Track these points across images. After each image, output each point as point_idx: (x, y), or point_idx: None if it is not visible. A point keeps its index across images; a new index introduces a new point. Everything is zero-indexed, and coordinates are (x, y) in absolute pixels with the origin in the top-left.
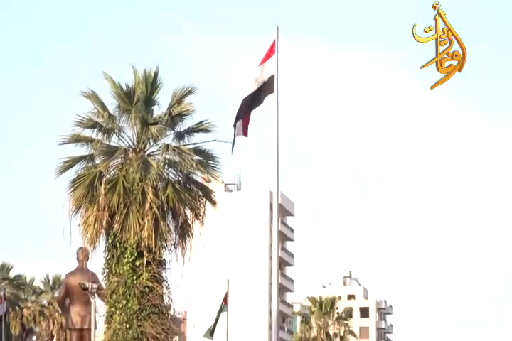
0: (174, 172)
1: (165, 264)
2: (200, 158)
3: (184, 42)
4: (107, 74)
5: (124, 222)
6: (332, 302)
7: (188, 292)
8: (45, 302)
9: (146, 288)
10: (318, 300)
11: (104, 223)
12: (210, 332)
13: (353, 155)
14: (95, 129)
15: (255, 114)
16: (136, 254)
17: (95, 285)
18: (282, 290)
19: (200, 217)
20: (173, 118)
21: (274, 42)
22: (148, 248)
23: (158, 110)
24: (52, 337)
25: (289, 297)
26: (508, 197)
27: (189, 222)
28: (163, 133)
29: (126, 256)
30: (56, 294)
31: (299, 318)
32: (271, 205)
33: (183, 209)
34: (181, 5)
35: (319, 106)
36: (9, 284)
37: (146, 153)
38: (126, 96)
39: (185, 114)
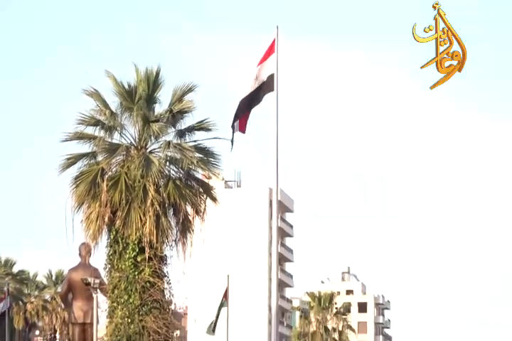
0: (175, 169)
1: (166, 260)
2: (200, 155)
3: (184, 42)
4: (109, 72)
5: (125, 218)
6: (331, 297)
7: (189, 287)
8: (48, 297)
9: (148, 283)
10: (317, 295)
11: (106, 219)
12: (212, 329)
13: (352, 154)
14: (97, 127)
15: (255, 112)
16: (137, 250)
17: (97, 281)
18: (282, 285)
19: (201, 214)
20: (174, 115)
21: (273, 41)
22: (149, 244)
23: (160, 108)
24: (55, 331)
25: (288, 292)
26: (508, 197)
27: (190, 218)
28: (165, 130)
29: (128, 251)
30: (59, 289)
31: (298, 313)
32: (270, 202)
33: (184, 206)
34: (181, 5)
35: (319, 105)
36: (13, 279)
37: (148, 150)
38: (128, 95)
39: (185, 112)
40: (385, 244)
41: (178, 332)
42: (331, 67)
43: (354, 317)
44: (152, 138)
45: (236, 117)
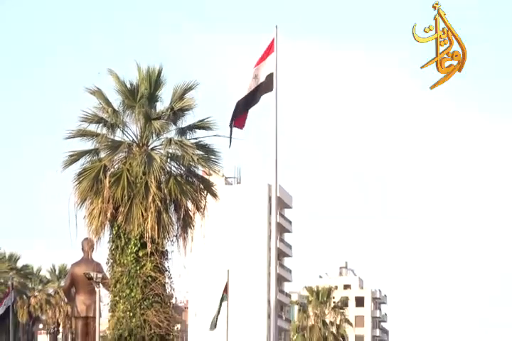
0: (176, 166)
1: (167, 255)
2: (201, 152)
3: (184, 42)
4: (112, 70)
5: (127, 213)
6: (328, 291)
7: (190, 282)
8: (51, 291)
9: (149, 278)
10: (315, 289)
11: (108, 215)
12: (214, 324)
13: (350, 152)
14: (100, 124)
15: (255, 110)
16: (139, 245)
17: (100, 275)
18: (280, 280)
19: (202, 209)
20: (175, 113)
21: (272, 41)
22: (151, 239)
23: (161, 106)
24: (59, 324)
25: (287, 287)
26: (507, 197)
27: (191, 213)
28: (166, 128)
29: (129, 246)
30: (62, 283)
31: (296, 307)
32: (270, 198)
33: (185, 202)
34: (181, 5)
35: (320, 104)
36: (17, 274)
37: (149, 148)
38: (130, 93)
39: (186, 109)
40: (382, 240)
41: (178, 325)
42: (331, 67)
43: (351, 311)
44: (154, 135)
45: (234, 117)
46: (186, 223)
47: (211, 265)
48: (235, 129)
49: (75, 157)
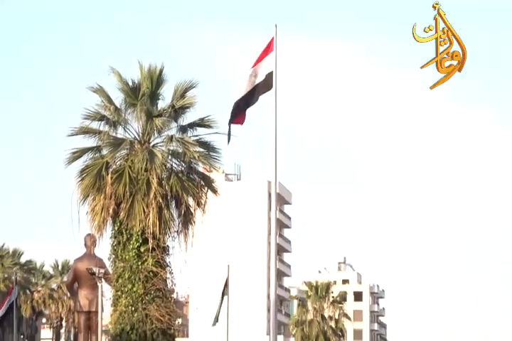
0: (177, 163)
1: (168, 250)
2: (202, 149)
3: (184, 41)
4: (114, 68)
5: (129, 210)
6: (327, 286)
7: (191, 277)
8: (54, 286)
9: (151, 273)
10: (314, 284)
11: (110, 211)
12: (217, 319)
13: (349, 150)
14: (102, 122)
15: (255, 107)
16: (141, 241)
17: (102, 270)
18: (280, 275)
19: (202, 206)
20: (177, 111)
21: (271, 40)
22: (152, 235)
23: (163, 104)
24: (61, 319)
25: (286, 281)
26: (507, 194)
27: (191, 210)
28: (167, 125)
29: (131, 242)
30: (65, 278)
31: (295, 302)
32: (269, 194)
33: (186, 198)
34: (182, 5)
35: (319, 103)
36: (20, 269)
37: (151, 145)
38: (132, 91)
39: (187, 107)
40: (380, 236)
41: (180, 320)
42: (331, 67)
43: (350, 305)
44: (155, 132)
45: (232, 116)
46: (187, 219)
47: (212, 260)
48: (234, 126)
49: (78, 154)
